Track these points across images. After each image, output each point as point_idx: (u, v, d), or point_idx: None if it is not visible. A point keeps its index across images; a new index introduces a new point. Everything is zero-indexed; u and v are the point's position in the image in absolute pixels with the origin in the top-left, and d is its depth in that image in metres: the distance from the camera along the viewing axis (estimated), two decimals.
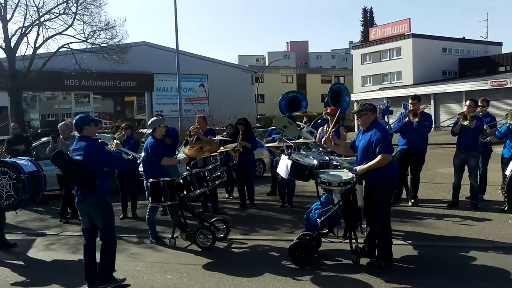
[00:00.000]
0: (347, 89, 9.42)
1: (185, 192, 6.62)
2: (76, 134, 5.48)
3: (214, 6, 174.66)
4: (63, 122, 9.26)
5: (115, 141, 5.29)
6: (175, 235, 6.83)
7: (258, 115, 40.11)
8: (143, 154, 7.02)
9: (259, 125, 33.63)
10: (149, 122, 7.31)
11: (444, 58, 47.20)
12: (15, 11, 18.68)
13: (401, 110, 9.13)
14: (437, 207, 8.45)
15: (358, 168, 5.43)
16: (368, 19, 72.69)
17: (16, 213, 7.44)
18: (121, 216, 8.85)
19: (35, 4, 18.86)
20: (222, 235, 6.98)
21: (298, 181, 6.82)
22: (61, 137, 8.92)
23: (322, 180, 5.58)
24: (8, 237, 7.40)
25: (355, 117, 6.76)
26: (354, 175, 5.46)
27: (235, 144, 8.81)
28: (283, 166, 5.96)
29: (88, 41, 20.07)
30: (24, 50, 20.00)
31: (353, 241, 5.63)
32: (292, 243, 5.71)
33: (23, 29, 18.83)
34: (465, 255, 5.83)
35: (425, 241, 6.48)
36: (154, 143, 6.84)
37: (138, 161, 7.27)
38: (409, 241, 6.45)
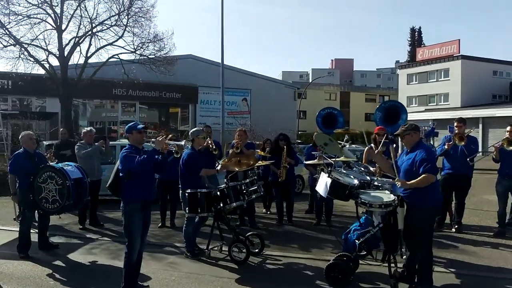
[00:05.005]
0: (403, 106, 8.97)
1: (221, 204, 6.63)
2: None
3: (260, 22, 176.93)
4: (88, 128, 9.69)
5: (155, 139, 5.28)
6: (210, 247, 6.84)
7: (299, 131, 40.02)
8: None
9: (299, 141, 33.51)
10: (190, 131, 7.32)
11: (494, 81, 45.78)
12: (70, 21, 19.36)
13: (447, 133, 8.86)
14: (483, 235, 8.11)
15: (400, 181, 5.28)
16: (416, 39, 71.37)
17: (60, 217, 7.64)
18: (159, 224, 8.96)
19: (88, 16, 19.56)
20: (256, 250, 6.93)
21: (337, 200, 6.69)
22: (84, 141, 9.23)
23: (363, 201, 5.45)
24: (52, 238, 7.66)
25: (399, 139, 6.57)
26: (396, 197, 5.33)
27: (272, 161, 8.74)
28: (323, 184, 5.87)
29: (137, 52, 20.61)
30: (76, 59, 20.52)
31: (392, 265, 5.44)
32: (328, 263, 5.60)
33: (77, 38, 19.54)
34: None
35: (468, 270, 6.21)
36: (189, 154, 6.84)
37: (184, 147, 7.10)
38: (451, 269, 6.20)
